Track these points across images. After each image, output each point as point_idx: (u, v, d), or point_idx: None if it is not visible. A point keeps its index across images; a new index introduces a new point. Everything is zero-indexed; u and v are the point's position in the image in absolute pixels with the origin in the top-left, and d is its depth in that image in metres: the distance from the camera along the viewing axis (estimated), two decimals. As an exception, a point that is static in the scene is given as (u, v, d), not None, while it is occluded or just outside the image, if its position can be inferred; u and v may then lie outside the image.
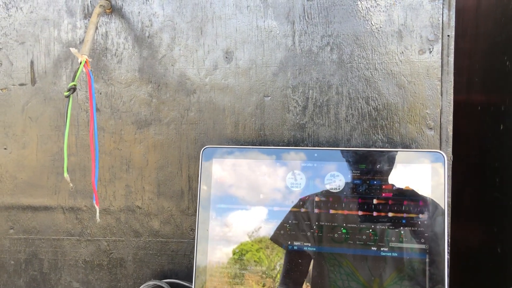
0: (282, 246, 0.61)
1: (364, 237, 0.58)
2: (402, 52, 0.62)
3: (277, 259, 0.61)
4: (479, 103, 0.87)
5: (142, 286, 0.70)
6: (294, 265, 0.60)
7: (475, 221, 0.88)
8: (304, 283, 0.60)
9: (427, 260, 0.56)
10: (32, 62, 0.72)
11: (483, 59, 0.86)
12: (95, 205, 0.58)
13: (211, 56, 0.67)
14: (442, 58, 0.61)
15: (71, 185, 0.58)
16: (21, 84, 0.72)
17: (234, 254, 0.62)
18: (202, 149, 0.64)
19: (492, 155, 0.79)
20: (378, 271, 0.57)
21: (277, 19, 0.65)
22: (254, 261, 0.61)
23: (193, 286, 0.63)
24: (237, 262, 0.62)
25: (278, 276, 0.61)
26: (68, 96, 0.57)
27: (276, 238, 0.61)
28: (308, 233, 0.60)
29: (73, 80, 0.57)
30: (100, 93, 0.70)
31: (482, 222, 0.84)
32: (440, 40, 0.61)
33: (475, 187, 0.88)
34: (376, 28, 0.63)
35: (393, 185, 0.58)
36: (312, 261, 0.60)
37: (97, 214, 0.59)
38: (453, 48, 0.61)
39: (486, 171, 0.82)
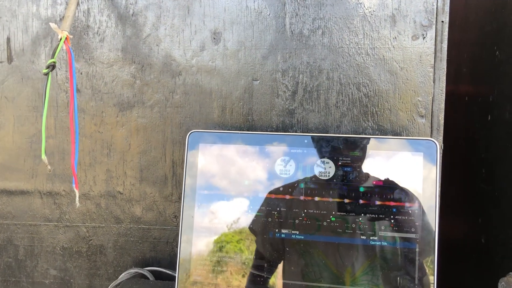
0: (263, 234, 0.59)
1: (353, 225, 0.57)
2: (395, 38, 0.61)
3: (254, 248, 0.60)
4: (467, 93, 0.87)
5: (123, 274, 0.67)
6: (271, 253, 0.59)
7: (460, 211, 0.88)
8: (287, 269, 0.59)
9: (417, 249, 0.55)
10: (8, 39, 0.68)
11: (472, 49, 0.85)
12: (75, 189, 0.56)
13: (198, 37, 0.65)
14: (435, 45, 0.60)
15: (49, 167, 0.55)
16: (-3, 62, 0.69)
17: (219, 242, 0.60)
18: (189, 134, 0.62)
19: (479, 146, 0.79)
20: (367, 260, 0.56)
21: (268, -1, 0.63)
22: (235, 251, 0.60)
23: (176, 274, 0.61)
24: (221, 251, 0.60)
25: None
26: (46, 74, 0.54)
27: (260, 225, 0.59)
28: (296, 221, 0.58)
29: (52, 57, 0.54)
30: (81, 73, 0.67)
31: (467, 213, 0.84)
32: (434, 26, 0.60)
33: (461, 178, 0.88)
34: (369, 12, 0.61)
35: (383, 173, 0.57)
36: (290, 250, 0.58)
37: (77, 198, 0.57)
38: (447, 35, 0.60)
39: (472, 162, 0.82)
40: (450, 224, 0.90)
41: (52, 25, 0.55)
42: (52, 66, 0.54)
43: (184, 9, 0.64)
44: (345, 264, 0.57)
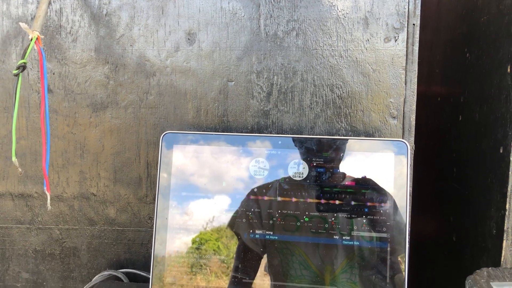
0: (238, 235, 0.59)
1: (326, 225, 0.58)
2: (368, 40, 0.62)
3: (235, 248, 0.60)
4: (439, 94, 0.88)
5: (96, 276, 0.67)
6: (249, 254, 0.59)
7: (433, 210, 0.90)
8: (263, 271, 0.59)
9: (388, 249, 0.56)
10: (-23, 38, 0.67)
11: (444, 51, 0.87)
12: (46, 191, 0.55)
13: (173, 37, 0.64)
14: (407, 47, 0.61)
15: (20, 169, 0.54)
16: (-34, 61, 0.67)
17: (193, 243, 0.60)
18: (163, 135, 0.62)
19: (451, 145, 0.80)
20: (339, 259, 0.57)
21: (242, 0, 0.63)
22: (213, 250, 0.60)
23: (151, 276, 0.60)
24: (196, 252, 0.60)
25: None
26: (17, 75, 0.53)
27: (234, 226, 0.60)
28: (270, 222, 0.59)
29: (22, 58, 0.53)
30: (53, 73, 0.66)
31: (439, 212, 0.86)
32: (405, 29, 0.61)
33: (433, 177, 0.89)
34: (342, 14, 0.62)
35: (356, 174, 0.58)
36: (266, 251, 0.59)
37: (48, 201, 0.56)
38: (418, 37, 0.61)
39: (444, 161, 0.84)
40: (422, 222, 0.92)
41: (23, 25, 0.54)
42: (22, 67, 0.53)
43: (158, 10, 0.64)
44: (318, 264, 0.58)
